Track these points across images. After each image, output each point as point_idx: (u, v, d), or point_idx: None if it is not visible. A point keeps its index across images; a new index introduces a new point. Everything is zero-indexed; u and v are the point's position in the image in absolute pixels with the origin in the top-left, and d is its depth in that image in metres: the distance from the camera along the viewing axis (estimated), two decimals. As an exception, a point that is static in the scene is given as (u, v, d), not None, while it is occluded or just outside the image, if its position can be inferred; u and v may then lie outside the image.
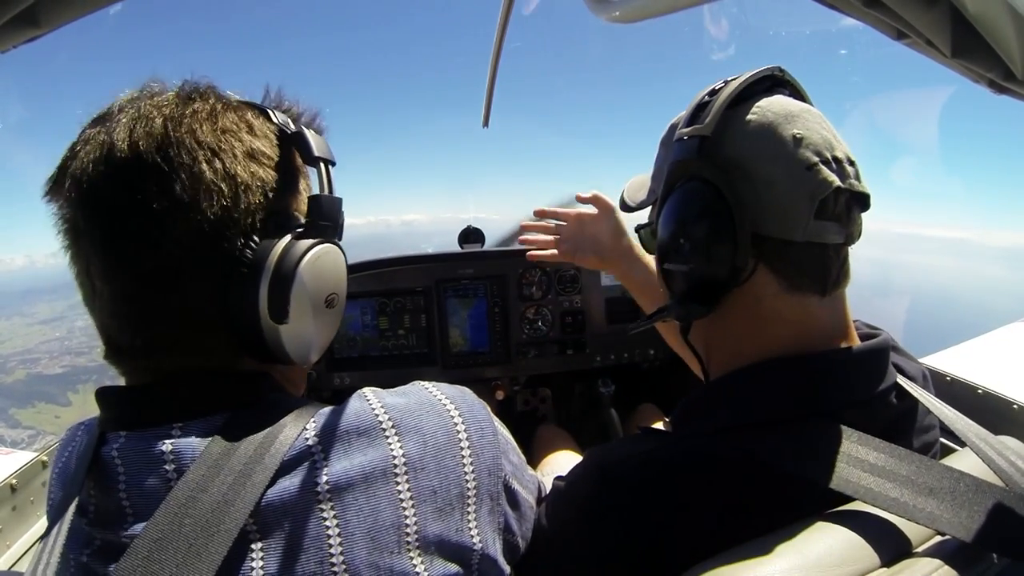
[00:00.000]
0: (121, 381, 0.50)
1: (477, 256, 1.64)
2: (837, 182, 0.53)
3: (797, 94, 0.62)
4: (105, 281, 0.45)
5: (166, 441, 0.43)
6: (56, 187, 0.47)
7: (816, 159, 0.53)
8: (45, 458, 1.17)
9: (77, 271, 0.47)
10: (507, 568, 0.52)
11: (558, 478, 0.64)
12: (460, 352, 1.62)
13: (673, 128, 0.66)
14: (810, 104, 0.60)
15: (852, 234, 0.56)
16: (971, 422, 0.55)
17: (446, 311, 1.61)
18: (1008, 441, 0.53)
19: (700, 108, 0.59)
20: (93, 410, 0.51)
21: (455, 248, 1.71)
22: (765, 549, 0.44)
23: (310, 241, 0.49)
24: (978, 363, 1.42)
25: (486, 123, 2.22)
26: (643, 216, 0.77)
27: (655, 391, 1.77)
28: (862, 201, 0.56)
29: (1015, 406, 0.92)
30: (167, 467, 0.42)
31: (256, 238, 0.47)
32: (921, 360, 0.66)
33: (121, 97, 0.49)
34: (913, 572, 0.41)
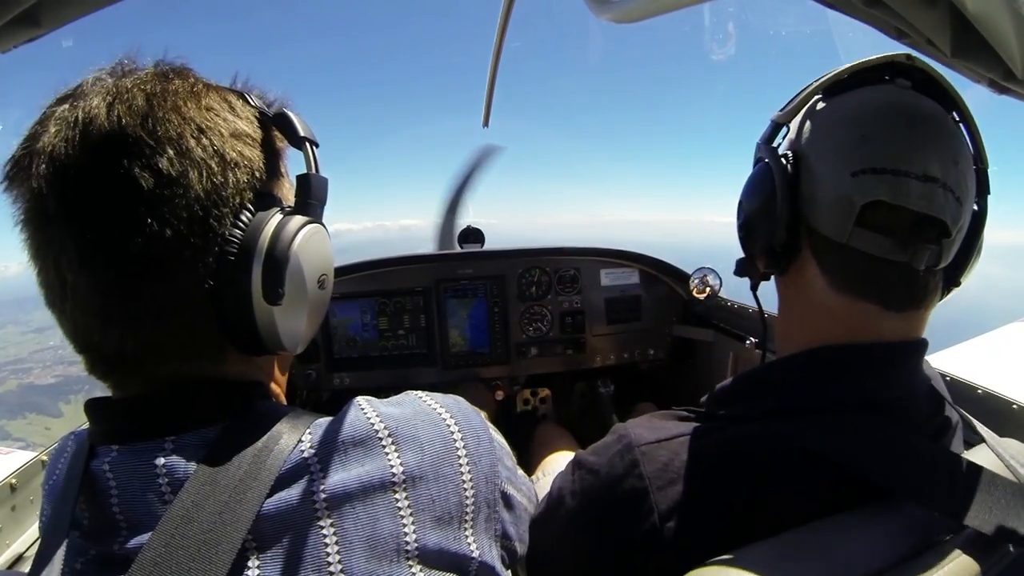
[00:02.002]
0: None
1: (477, 256, 1.64)
2: (879, 196, 0.51)
3: (922, 84, 0.57)
4: (81, 272, 0.42)
5: (159, 456, 0.42)
6: (18, 169, 0.42)
7: (867, 166, 0.51)
8: (45, 458, 1.17)
9: (42, 266, 0.44)
10: (505, 574, 0.52)
11: (584, 452, 0.64)
12: (460, 352, 1.62)
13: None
14: (942, 95, 0.56)
15: (919, 256, 0.51)
16: (983, 425, 0.56)
17: (446, 311, 1.60)
18: (1012, 445, 0.55)
19: (797, 95, 0.61)
20: (84, 421, 0.49)
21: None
22: (798, 541, 0.45)
23: (302, 218, 0.47)
24: (978, 363, 1.42)
25: (486, 123, 2.23)
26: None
27: (654, 391, 1.77)
28: (933, 224, 0.51)
29: (1015, 406, 0.91)
30: (161, 482, 0.42)
31: (244, 218, 0.45)
32: None
33: (90, 75, 0.46)
34: (936, 560, 0.44)
